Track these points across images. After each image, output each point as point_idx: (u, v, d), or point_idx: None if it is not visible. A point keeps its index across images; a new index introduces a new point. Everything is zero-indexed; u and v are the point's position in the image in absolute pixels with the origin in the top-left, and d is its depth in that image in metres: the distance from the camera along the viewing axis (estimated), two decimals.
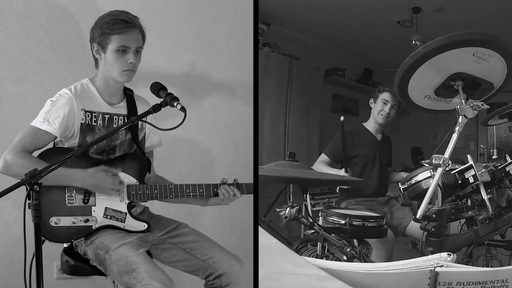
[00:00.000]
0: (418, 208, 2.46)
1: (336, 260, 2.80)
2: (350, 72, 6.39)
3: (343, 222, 2.87)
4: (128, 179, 2.69)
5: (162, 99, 2.54)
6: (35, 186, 2.08)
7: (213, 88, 3.72)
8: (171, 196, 2.72)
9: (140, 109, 2.79)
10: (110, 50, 2.59)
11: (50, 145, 2.61)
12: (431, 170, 2.88)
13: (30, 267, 2.26)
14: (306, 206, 2.94)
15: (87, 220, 2.58)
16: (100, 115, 2.68)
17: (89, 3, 3.36)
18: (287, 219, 2.68)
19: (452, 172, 2.83)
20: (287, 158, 2.89)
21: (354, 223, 2.86)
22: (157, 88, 2.60)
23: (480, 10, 4.43)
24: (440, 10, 4.79)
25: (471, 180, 2.78)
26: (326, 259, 2.79)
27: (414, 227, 3.39)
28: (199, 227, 2.91)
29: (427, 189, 2.51)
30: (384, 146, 3.91)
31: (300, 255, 2.80)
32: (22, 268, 2.27)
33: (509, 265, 3.08)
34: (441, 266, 1.80)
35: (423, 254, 2.54)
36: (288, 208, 2.68)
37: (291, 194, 2.87)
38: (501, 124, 3.69)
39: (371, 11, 4.84)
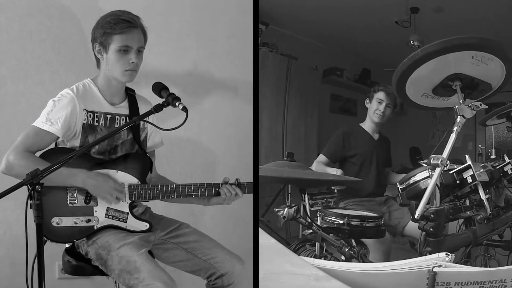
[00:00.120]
0: (416, 208, 2.46)
1: (334, 260, 2.80)
2: (348, 72, 6.38)
3: (341, 222, 2.87)
4: (129, 179, 2.69)
5: (164, 99, 2.54)
6: (37, 186, 2.09)
7: (215, 88, 3.72)
8: (172, 196, 2.72)
9: (142, 109, 2.79)
10: (112, 50, 2.59)
11: (52, 145, 2.62)
12: (429, 170, 2.88)
13: (32, 267, 2.25)
14: (304, 206, 2.94)
15: (89, 220, 2.58)
16: (102, 115, 2.68)
17: (91, 3, 3.36)
18: (286, 219, 2.68)
19: (450, 172, 2.82)
20: (285, 158, 2.89)
21: (352, 223, 2.87)
22: (159, 88, 2.60)
23: (479, 10, 4.43)
24: (438, 10, 4.79)
25: (469, 180, 2.78)
26: (324, 259, 2.79)
27: (412, 227, 3.39)
28: (200, 227, 2.91)
29: (425, 189, 2.51)
30: (382, 146, 3.93)
31: (299, 255, 2.81)
32: (24, 268, 2.26)
33: (507, 265, 3.08)
34: (439, 266, 1.81)
35: (421, 254, 2.54)
36: (286, 208, 2.68)
37: (289, 194, 2.86)
38: (499, 124, 3.69)
39: (369, 11, 4.84)
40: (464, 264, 2.72)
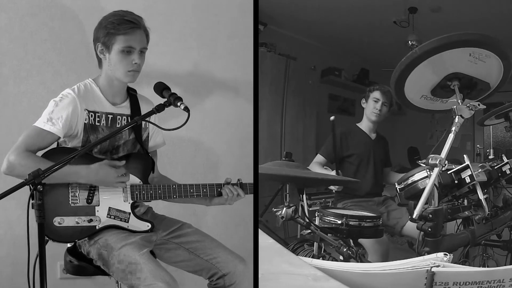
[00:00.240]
0: (415, 208, 2.46)
1: (332, 260, 2.80)
2: (346, 72, 6.39)
3: (339, 222, 2.87)
4: (132, 179, 2.69)
5: (166, 99, 2.55)
6: (39, 186, 2.09)
7: (216, 88, 3.72)
8: (174, 196, 2.72)
9: (144, 109, 2.80)
10: (115, 50, 2.60)
11: (54, 145, 2.62)
12: (428, 170, 2.87)
13: (34, 267, 2.25)
14: (302, 206, 2.94)
15: (90, 220, 2.59)
16: (104, 115, 2.68)
17: (93, 3, 3.36)
18: (284, 219, 2.68)
19: (448, 172, 2.82)
20: (284, 158, 2.89)
21: (351, 223, 2.87)
22: (161, 88, 2.61)
23: (477, 10, 4.44)
24: (436, 10, 4.79)
25: (468, 180, 2.78)
26: (323, 259, 2.79)
27: (411, 227, 3.39)
28: (202, 227, 2.92)
29: (424, 189, 2.51)
30: (379, 145, 3.94)
31: (297, 255, 2.81)
32: (25, 268, 2.26)
33: (505, 265, 3.08)
34: (438, 266, 1.80)
35: (419, 254, 2.54)
36: (284, 208, 2.68)
37: (287, 194, 2.86)
38: (497, 124, 3.69)
39: (367, 11, 4.84)
40: (462, 264, 2.71)
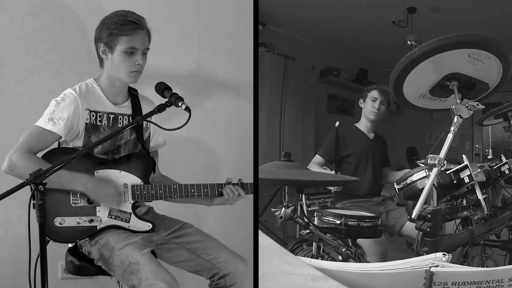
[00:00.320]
0: (414, 208, 2.46)
1: (331, 260, 2.80)
2: (345, 72, 6.39)
3: (338, 222, 2.87)
4: (132, 179, 2.69)
5: (167, 99, 2.55)
6: (40, 186, 2.09)
7: (218, 88, 3.72)
8: (175, 196, 2.72)
9: (145, 109, 2.80)
10: (118, 51, 2.60)
11: (55, 145, 2.62)
12: (427, 170, 2.88)
13: (35, 267, 2.25)
14: (301, 206, 2.94)
15: (91, 220, 2.58)
16: (105, 115, 2.68)
17: (94, 3, 3.36)
18: (283, 219, 2.68)
19: (447, 172, 2.83)
20: (283, 158, 2.89)
21: (349, 223, 2.87)
22: (162, 88, 2.61)
23: (476, 10, 4.44)
24: (435, 10, 4.79)
25: (467, 180, 2.78)
26: (321, 259, 2.79)
27: (410, 227, 3.39)
28: (203, 227, 2.91)
29: (423, 189, 2.51)
30: (377, 145, 3.94)
31: (296, 255, 2.81)
32: (27, 268, 2.26)
33: (504, 265, 3.08)
34: (437, 266, 1.80)
35: (418, 254, 2.54)
36: (283, 208, 2.68)
37: (286, 194, 2.86)
38: (496, 124, 3.69)
39: (366, 11, 4.84)
40: (461, 264, 2.71)
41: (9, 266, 3.37)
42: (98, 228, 2.59)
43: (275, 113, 5.36)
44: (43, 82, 3.38)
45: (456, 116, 2.63)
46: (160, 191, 2.70)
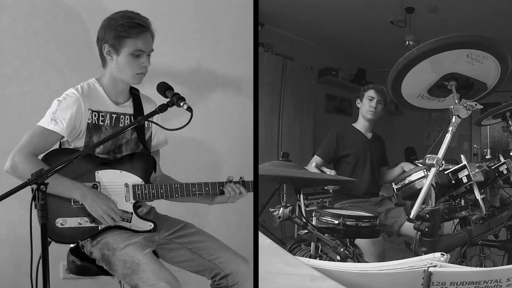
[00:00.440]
0: (412, 208, 2.46)
1: (329, 260, 2.80)
2: (343, 72, 6.38)
3: (336, 222, 2.87)
4: (134, 179, 2.68)
5: (169, 99, 2.55)
6: (41, 186, 2.09)
7: (219, 87, 3.73)
8: (177, 195, 2.72)
9: (146, 108, 2.80)
10: (125, 53, 2.60)
11: (56, 146, 2.61)
12: (425, 170, 2.88)
13: (37, 267, 2.25)
14: (299, 206, 2.94)
15: (93, 221, 2.58)
16: (108, 115, 2.68)
17: (96, 3, 3.37)
18: (281, 219, 2.68)
19: (445, 172, 2.83)
20: (281, 158, 2.89)
21: (348, 223, 2.87)
22: (164, 88, 2.61)
23: (474, 10, 4.44)
24: (433, 10, 4.79)
25: (465, 180, 2.79)
26: (320, 259, 2.79)
27: (408, 227, 3.39)
28: (205, 227, 2.91)
29: (421, 189, 2.51)
30: (375, 144, 3.94)
31: (294, 255, 2.80)
32: (28, 268, 2.26)
33: (502, 265, 3.08)
34: (435, 266, 1.80)
35: (416, 254, 2.54)
36: (281, 208, 2.68)
37: (284, 194, 2.86)
38: (494, 124, 3.69)
39: (364, 11, 4.84)
40: (459, 264, 2.71)
41: (11, 266, 3.38)
42: (99, 228, 2.59)
43: (273, 113, 5.36)
44: (45, 82, 3.38)
45: (454, 116, 2.63)
46: (161, 191, 2.70)
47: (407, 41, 5.03)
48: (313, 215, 3.03)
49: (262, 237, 2.29)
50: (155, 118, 2.63)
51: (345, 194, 3.77)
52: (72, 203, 2.55)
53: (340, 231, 2.84)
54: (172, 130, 2.46)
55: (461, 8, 4.49)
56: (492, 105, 3.33)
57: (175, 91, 2.58)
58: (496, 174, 3.01)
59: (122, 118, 2.73)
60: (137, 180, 2.69)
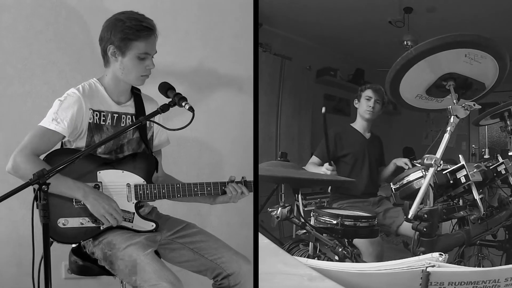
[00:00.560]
0: (410, 208, 2.46)
1: (328, 260, 2.80)
2: (342, 72, 6.38)
3: (334, 222, 2.87)
4: (135, 179, 2.68)
5: (170, 99, 2.56)
6: (43, 186, 2.10)
7: (221, 87, 3.73)
8: (178, 195, 2.72)
9: (148, 108, 2.80)
10: (131, 56, 2.60)
11: (58, 146, 2.62)
12: (423, 170, 2.88)
13: (39, 267, 2.26)
14: (297, 206, 2.93)
15: (95, 221, 2.58)
16: (109, 114, 2.68)
17: (97, 3, 3.38)
18: (279, 219, 2.67)
19: (444, 172, 2.83)
20: (279, 158, 2.89)
21: (346, 223, 2.86)
22: (165, 88, 2.62)
23: (472, 10, 4.44)
24: (432, 10, 4.79)
25: (463, 180, 2.79)
26: (318, 259, 2.78)
27: (407, 227, 3.38)
28: (207, 227, 2.91)
29: (419, 189, 2.51)
30: (373, 144, 3.95)
31: (292, 255, 2.80)
32: (30, 268, 2.26)
33: (500, 265, 3.08)
34: (433, 266, 1.80)
35: (414, 254, 2.54)
36: (279, 208, 2.68)
37: (282, 194, 2.86)
38: (492, 124, 3.70)
39: (363, 11, 4.84)
40: (457, 264, 2.72)
41: (13, 266, 3.39)
42: (101, 228, 2.59)
43: (272, 113, 5.36)
44: (46, 82, 3.40)
45: (452, 116, 2.63)
46: (163, 190, 2.70)
47: (405, 41, 5.02)
48: (311, 215, 3.02)
49: (260, 237, 2.29)
50: (156, 118, 2.63)
51: (343, 194, 3.78)
52: (74, 203, 2.55)
53: (338, 231, 2.84)
54: (174, 130, 2.46)
55: (459, 8, 4.49)
56: (490, 105, 3.33)
57: (176, 91, 2.59)
58: (494, 174, 3.01)
59: (123, 117, 2.73)
60: (139, 180, 2.69)
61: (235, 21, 3.70)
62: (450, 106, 2.66)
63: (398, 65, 2.73)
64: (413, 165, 3.52)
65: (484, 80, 2.84)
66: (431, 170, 2.50)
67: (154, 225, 2.69)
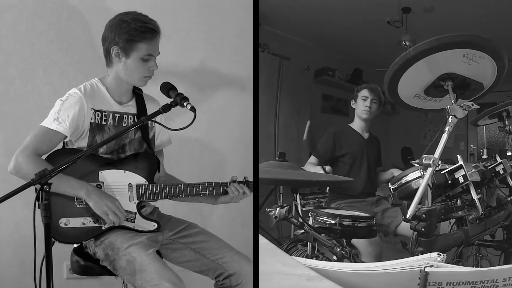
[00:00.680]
0: (408, 208, 2.46)
1: (326, 260, 2.80)
2: (340, 72, 6.39)
3: (333, 222, 2.87)
4: (137, 179, 2.69)
5: (172, 99, 2.56)
6: (45, 186, 2.10)
7: (222, 87, 3.74)
8: (180, 195, 2.72)
9: (149, 108, 2.81)
10: (135, 57, 2.61)
11: (60, 146, 2.62)
12: (421, 170, 2.88)
13: (41, 267, 2.25)
14: (296, 206, 2.94)
15: (96, 221, 2.58)
16: (111, 114, 2.68)
17: (99, 3, 3.39)
18: (277, 219, 2.67)
19: (442, 172, 2.83)
20: (277, 158, 2.89)
21: (344, 223, 2.86)
22: (167, 88, 2.62)
23: (470, 9, 4.45)
24: (430, 10, 4.80)
25: (461, 180, 2.78)
26: (316, 259, 2.79)
27: (405, 226, 3.38)
28: (209, 227, 2.92)
29: (417, 189, 2.50)
30: (372, 144, 3.95)
31: (290, 255, 2.80)
32: (32, 268, 2.26)
33: (499, 265, 3.09)
34: (431, 266, 1.80)
35: (413, 254, 2.54)
36: (278, 208, 2.68)
37: (281, 194, 2.86)
38: (491, 124, 3.70)
39: (361, 11, 4.84)
40: (456, 264, 2.71)
41: (14, 266, 3.39)
42: (103, 228, 2.60)
43: (270, 113, 5.37)
44: (48, 82, 3.40)
45: (450, 116, 2.63)
46: (165, 191, 2.70)
47: (403, 41, 5.03)
48: (310, 215, 3.03)
49: (259, 237, 2.29)
50: (158, 118, 2.64)
51: (342, 194, 3.77)
52: (76, 203, 2.56)
53: (337, 231, 2.84)
54: (176, 130, 2.46)
55: (457, 8, 4.50)
56: (488, 105, 3.33)
57: (178, 91, 2.59)
58: (493, 174, 3.01)
59: (125, 117, 2.73)
60: (141, 180, 2.69)
61: (237, 21, 3.70)
62: (448, 106, 2.66)
63: (396, 65, 2.73)
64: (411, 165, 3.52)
65: (482, 80, 2.84)
66: (429, 170, 2.50)
67: (156, 225, 2.69)
